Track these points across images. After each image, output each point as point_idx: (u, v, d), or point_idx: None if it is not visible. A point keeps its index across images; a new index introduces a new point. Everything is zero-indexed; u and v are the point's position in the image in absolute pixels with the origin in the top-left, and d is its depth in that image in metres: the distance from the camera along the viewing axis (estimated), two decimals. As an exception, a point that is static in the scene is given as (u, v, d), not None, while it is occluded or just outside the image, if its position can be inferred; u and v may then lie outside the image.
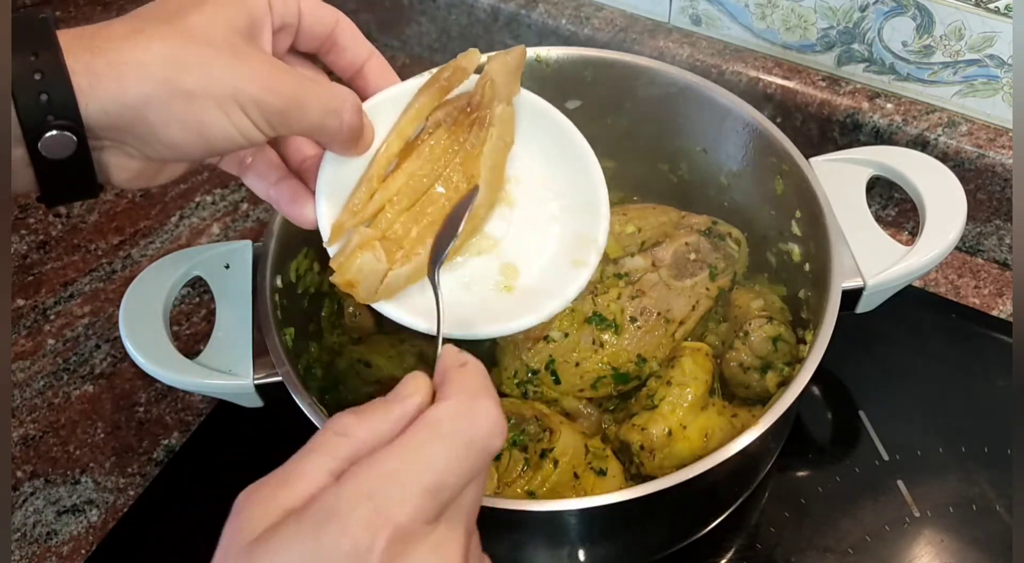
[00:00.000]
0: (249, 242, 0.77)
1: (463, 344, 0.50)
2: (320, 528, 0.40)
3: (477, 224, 0.63)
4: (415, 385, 0.46)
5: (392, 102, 0.62)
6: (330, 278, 0.59)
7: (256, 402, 0.72)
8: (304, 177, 0.62)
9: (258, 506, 0.42)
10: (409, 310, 0.60)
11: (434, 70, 0.63)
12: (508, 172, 0.64)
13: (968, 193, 0.76)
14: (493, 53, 0.64)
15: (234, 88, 0.52)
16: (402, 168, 0.61)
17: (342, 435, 0.44)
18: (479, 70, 0.63)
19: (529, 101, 0.65)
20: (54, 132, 0.49)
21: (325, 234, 0.60)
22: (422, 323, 0.59)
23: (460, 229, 0.59)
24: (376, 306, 0.59)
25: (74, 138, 0.49)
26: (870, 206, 0.77)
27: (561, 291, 0.62)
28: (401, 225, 0.60)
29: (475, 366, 0.46)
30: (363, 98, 0.62)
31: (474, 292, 0.62)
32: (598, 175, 0.64)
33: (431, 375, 0.47)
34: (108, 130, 0.51)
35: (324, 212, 0.60)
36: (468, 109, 0.62)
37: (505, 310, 0.62)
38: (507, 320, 0.61)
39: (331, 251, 0.59)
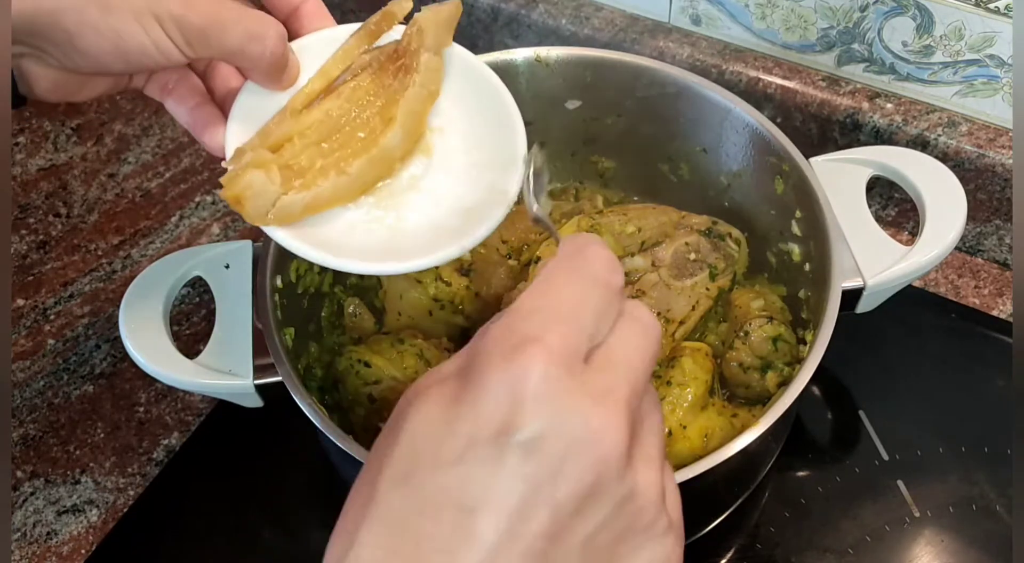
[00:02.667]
0: (249, 242, 0.77)
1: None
2: (469, 371, 0.38)
3: (392, 169, 0.62)
4: (545, 265, 0.44)
5: (323, 44, 0.62)
6: (218, 193, 0.58)
7: (256, 402, 0.72)
8: (226, 109, 0.61)
9: (419, 383, 0.40)
10: (303, 239, 0.58)
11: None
12: (432, 123, 0.64)
13: (968, 193, 0.76)
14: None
15: (153, 1, 0.52)
16: (320, 105, 0.60)
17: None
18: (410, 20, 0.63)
19: (460, 56, 0.65)
20: None
21: (228, 155, 0.59)
22: (313, 253, 0.58)
23: (541, 175, 0.58)
24: (267, 230, 0.58)
25: None
26: (870, 206, 0.77)
27: (465, 236, 0.61)
28: (306, 157, 0.59)
29: (586, 234, 0.45)
30: (295, 38, 0.62)
31: (372, 231, 0.61)
32: (520, 133, 0.64)
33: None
34: (25, 35, 0.51)
35: (233, 136, 0.60)
36: (395, 55, 0.62)
37: (402, 249, 0.60)
38: (403, 258, 0.59)
39: (224, 175, 0.58)
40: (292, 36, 0.61)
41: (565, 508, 0.36)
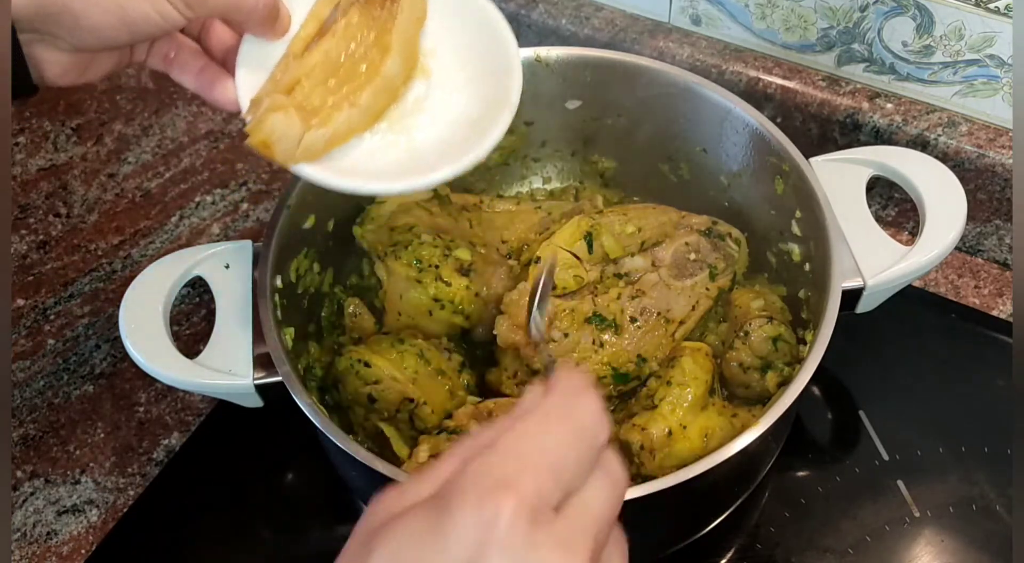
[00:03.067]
0: (249, 242, 0.77)
1: None
2: (443, 505, 0.39)
3: (397, 94, 0.65)
4: (533, 392, 0.45)
5: None
6: (246, 142, 0.60)
7: (256, 402, 0.72)
8: (228, 67, 0.64)
9: (387, 500, 0.41)
10: (332, 171, 0.62)
11: None
12: (424, 46, 0.67)
13: (968, 193, 0.76)
14: None
15: None
16: (318, 46, 0.64)
17: (469, 438, 0.43)
18: None
19: None
20: None
21: (244, 106, 0.62)
22: (342, 182, 0.62)
23: (548, 293, 0.61)
24: (296, 169, 0.61)
25: None
26: (870, 206, 0.77)
27: (478, 144, 0.64)
28: (317, 96, 0.63)
29: (582, 375, 0.46)
30: None
31: (390, 154, 0.64)
32: (511, 40, 0.66)
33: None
34: (36, 21, 0.55)
35: (243, 87, 0.62)
36: None
37: (421, 166, 0.63)
38: (425, 173, 0.63)
39: (248, 121, 0.61)
40: None
41: None
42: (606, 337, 0.76)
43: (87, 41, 0.57)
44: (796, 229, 0.78)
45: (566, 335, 0.75)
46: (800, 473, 0.81)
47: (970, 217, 0.82)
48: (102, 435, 0.87)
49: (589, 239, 0.79)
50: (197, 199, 1.03)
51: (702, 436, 0.71)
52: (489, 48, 0.67)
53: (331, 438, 0.63)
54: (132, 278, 0.75)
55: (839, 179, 0.76)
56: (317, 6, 0.65)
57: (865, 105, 0.93)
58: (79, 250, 1.00)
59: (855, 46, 0.92)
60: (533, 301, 0.59)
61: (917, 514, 0.78)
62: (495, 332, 0.75)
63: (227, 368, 0.70)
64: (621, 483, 0.44)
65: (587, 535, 0.40)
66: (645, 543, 0.73)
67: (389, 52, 0.64)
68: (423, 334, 0.78)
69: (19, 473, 0.84)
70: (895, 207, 0.97)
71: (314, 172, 0.62)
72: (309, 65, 0.63)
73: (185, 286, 0.77)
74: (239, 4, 0.60)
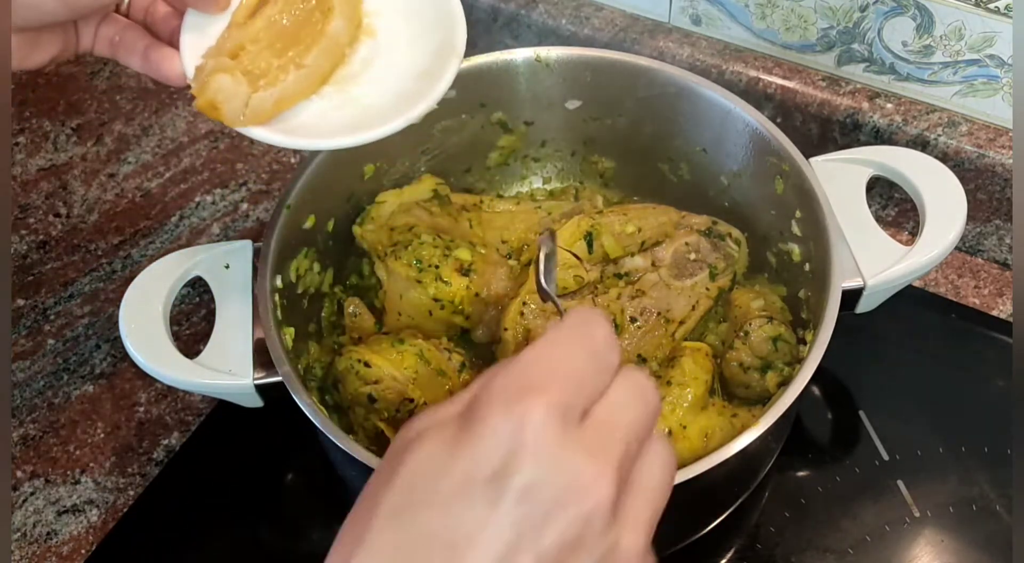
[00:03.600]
0: (249, 242, 0.77)
1: None
2: (472, 414, 0.39)
3: (343, 55, 0.67)
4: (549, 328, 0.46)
5: None
6: (194, 104, 0.61)
7: (256, 402, 0.72)
8: (175, 46, 0.64)
9: (417, 421, 0.42)
10: (282, 132, 0.63)
11: None
12: (368, 6, 0.68)
13: (968, 193, 0.76)
14: None
15: None
16: (261, 14, 0.65)
17: (490, 367, 0.44)
18: None
19: None
20: None
21: (189, 75, 0.62)
22: (293, 141, 0.63)
23: (554, 257, 0.61)
24: (245, 130, 0.62)
25: None
26: (870, 206, 0.77)
27: (428, 94, 0.64)
28: (263, 60, 0.63)
29: (593, 309, 0.47)
30: None
31: (342, 113, 0.65)
32: (456, 8, 0.67)
33: None
34: None
35: (188, 57, 0.63)
36: None
37: (373, 120, 0.64)
38: (376, 126, 0.63)
39: (194, 87, 0.62)
40: None
41: (547, 556, 0.37)
42: (606, 337, 0.76)
43: (27, 17, 0.57)
44: (796, 229, 0.78)
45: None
46: (800, 473, 0.81)
47: (970, 217, 0.82)
48: (102, 435, 0.87)
49: (589, 239, 0.79)
50: (197, 199, 1.03)
51: (702, 436, 0.71)
52: (432, 3, 0.68)
53: (331, 438, 0.63)
54: (132, 278, 0.75)
55: (839, 179, 0.76)
56: None
57: (865, 105, 0.93)
58: (79, 250, 1.00)
59: (855, 46, 0.92)
60: (539, 266, 0.59)
61: (917, 514, 0.78)
62: (503, 326, 0.75)
63: (227, 368, 0.70)
64: (649, 392, 0.43)
65: (616, 441, 0.40)
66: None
67: (332, 14, 0.65)
68: (423, 334, 0.78)
69: (19, 473, 0.84)
70: (895, 207, 0.97)
71: (263, 133, 0.62)
72: (253, 31, 0.64)
73: (185, 286, 0.77)
74: None
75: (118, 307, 0.73)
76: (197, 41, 0.63)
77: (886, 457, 0.82)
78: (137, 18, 0.66)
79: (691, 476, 0.60)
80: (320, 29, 0.65)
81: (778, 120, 0.96)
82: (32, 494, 0.83)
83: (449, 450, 0.39)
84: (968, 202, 0.75)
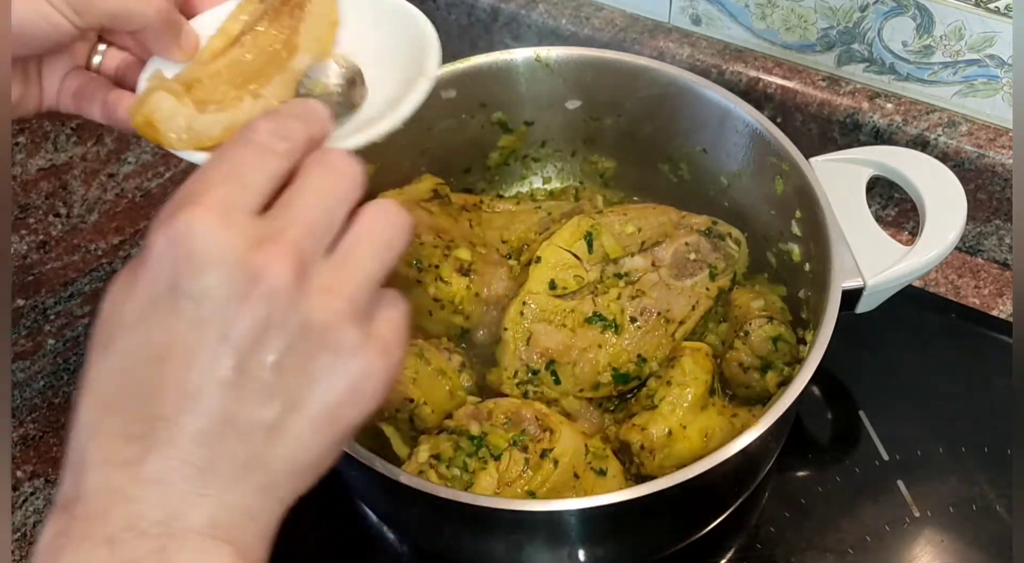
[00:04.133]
0: (249, 242, 0.77)
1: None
2: (142, 248, 0.42)
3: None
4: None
5: (218, 17, 0.65)
6: (132, 124, 0.58)
7: (256, 402, 0.71)
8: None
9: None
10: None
11: None
12: (341, 48, 0.66)
13: (968, 193, 0.76)
14: None
15: None
16: (226, 55, 0.63)
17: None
18: None
19: None
20: None
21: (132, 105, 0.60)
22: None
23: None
24: (183, 154, 0.58)
25: None
26: (870, 206, 0.77)
27: (392, 114, 0.62)
28: (219, 91, 0.61)
29: None
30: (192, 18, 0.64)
31: None
32: (429, 30, 0.66)
33: None
34: None
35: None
36: None
37: (336, 139, 0.60)
38: (343, 139, 0.60)
39: (131, 106, 0.59)
40: (189, 16, 0.64)
41: (243, 343, 0.40)
42: (606, 337, 0.76)
43: (33, 36, 0.57)
44: (796, 229, 0.78)
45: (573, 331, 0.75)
46: (800, 473, 0.81)
47: (970, 217, 0.82)
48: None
49: (589, 239, 0.79)
50: (197, 199, 1.03)
51: (702, 436, 0.71)
52: (409, 45, 0.67)
53: (331, 438, 0.63)
54: (132, 278, 0.74)
55: (839, 179, 0.76)
56: (227, 22, 0.64)
57: (865, 105, 0.93)
58: (79, 250, 1.00)
59: (855, 46, 0.92)
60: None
61: (917, 514, 0.78)
62: (503, 325, 0.75)
63: (227, 368, 0.70)
64: (342, 169, 0.48)
65: (292, 224, 0.43)
66: (645, 543, 0.73)
67: (297, 51, 0.64)
68: (423, 334, 0.78)
69: (19, 473, 0.84)
70: (895, 207, 0.97)
71: (199, 156, 0.58)
72: (214, 68, 0.62)
73: (185, 286, 0.77)
74: (130, 10, 0.58)
75: (118, 307, 0.73)
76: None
77: (886, 457, 0.82)
78: (108, 74, 0.66)
79: (691, 476, 0.60)
80: (282, 63, 0.64)
81: (778, 120, 0.96)
82: (32, 494, 0.83)
83: (130, 280, 0.42)
84: (968, 202, 0.75)
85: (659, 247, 0.81)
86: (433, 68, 0.64)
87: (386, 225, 0.47)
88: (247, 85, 0.62)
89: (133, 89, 0.64)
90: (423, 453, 0.69)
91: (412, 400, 0.73)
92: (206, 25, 0.64)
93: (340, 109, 0.62)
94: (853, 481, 0.80)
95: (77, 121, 1.12)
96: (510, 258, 0.83)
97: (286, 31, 0.65)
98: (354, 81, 0.63)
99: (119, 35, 0.64)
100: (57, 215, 1.03)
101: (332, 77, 0.63)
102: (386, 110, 0.63)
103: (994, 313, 0.91)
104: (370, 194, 0.84)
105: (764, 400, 0.75)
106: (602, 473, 0.70)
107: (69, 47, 0.62)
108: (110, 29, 0.62)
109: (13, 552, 0.80)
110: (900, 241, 0.74)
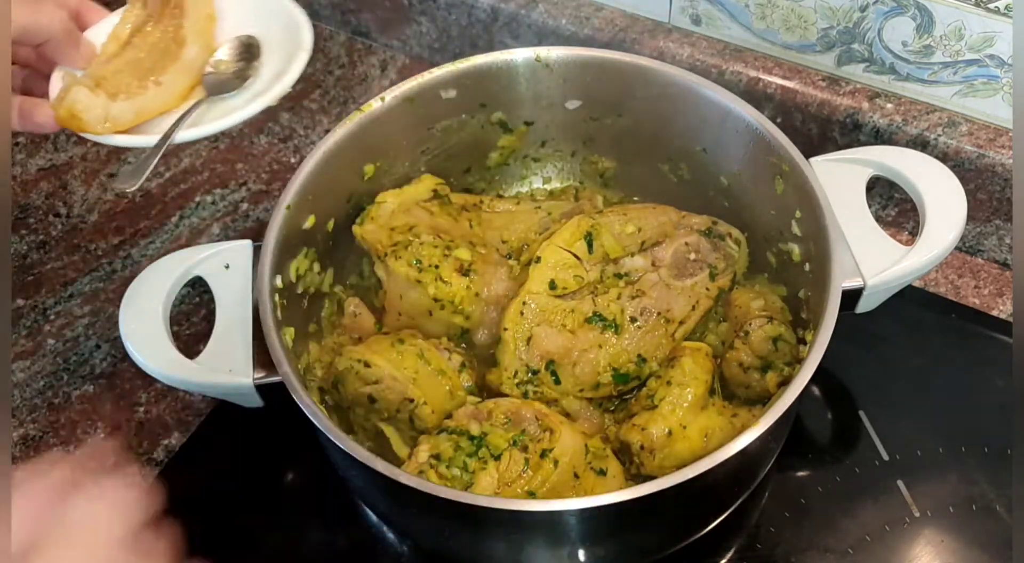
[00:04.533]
0: (249, 242, 0.77)
1: None
2: None
3: (200, 76, 0.78)
4: None
5: (106, 29, 0.77)
6: (55, 120, 0.70)
7: (256, 402, 0.72)
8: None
9: None
10: (138, 132, 0.73)
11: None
12: (221, 36, 0.80)
13: (968, 193, 0.76)
14: None
15: None
16: (120, 56, 0.76)
17: None
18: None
19: None
20: None
21: (52, 103, 0.71)
22: (148, 139, 0.72)
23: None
24: (107, 139, 0.71)
25: None
26: (870, 206, 0.77)
27: (279, 84, 0.74)
28: (123, 82, 0.73)
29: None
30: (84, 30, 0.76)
31: (212, 113, 0.75)
32: (297, 12, 0.79)
33: None
34: None
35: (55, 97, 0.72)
36: (167, 0, 0.79)
37: (235, 111, 0.74)
38: (231, 114, 0.73)
39: (52, 102, 0.71)
40: (82, 30, 0.75)
41: None
42: (606, 337, 0.76)
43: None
44: (796, 229, 0.78)
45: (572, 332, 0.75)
46: (800, 473, 0.81)
47: (970, 217, 0.82)
48: (102, 435, 0.87)
49: (589, 239, 0.79)
50: (197, 199, 1.03)
51: (702, 436, 0.71)
52: (285, 28, 0.79)
53: (331, 438, 0.63)
54: (132, 278, 0.75)
55: (839, 179, 0.76)
56: (116, 28, 0.77)
57: (865, 105, 0.93)
58: (79, 250, 1.00)
59: (855, 46, 0.92)
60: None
61: (917, 514, 0.78)
62: (503, 325, 0.75)
63: (227, 368, 0.70)
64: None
65: None
66: (645, 543, 0.73)
67: (185, 44, 0.77)
68: (423, 334, 0.78)
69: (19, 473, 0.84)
70: (895, 207, 0.97)
71: (124, 139, 0.72)
72: (115, 65, 0.74)
73: (185, 286, 0.77)
74: (38, 23, 0.68)
75: (118, 307, 0.73)
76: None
77: (886, 457, 0.82)
78: (15, 87, 0.73)
79: (691, 476, 0.60)
80: (175, 55, 0.77)
81: (778, 120, 0.96)
82: (32, 494, 0.83)
83: None
84: (968, 202, 0.75)
85: (659, 247, 0.81)
86: (308, 41, 0.77)
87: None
88: (148, 77, 0.75)
89: (41, 97, 0.72)
90: (423, 453, 0.69)
91: (412, 400, 0.73)
92: (98, 35, 0.77)
93: (239, 82, 0.78)
94: (853, 481, 0.80)
95: (77, 121, 1.12)
96: (510, 258, 0.83)
97: (172, 29, 0.78)
98: (248, 55, 0.79)
99: (22, 48, 0.72)
100: (57, 215, 1.03)
101: (228, 55, 0.79)
102: (275, 82, 0.76)
103: (994, 313, 0.91)
104: (370, 194, 0.85)
105: (764, 400, 0.75)
106: (602, 473, 0.70)
107: None
108: (18, 41, 0.70)
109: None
110: (900, 241, 0.74)
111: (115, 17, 0.78)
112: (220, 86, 0.78)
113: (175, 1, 0.80)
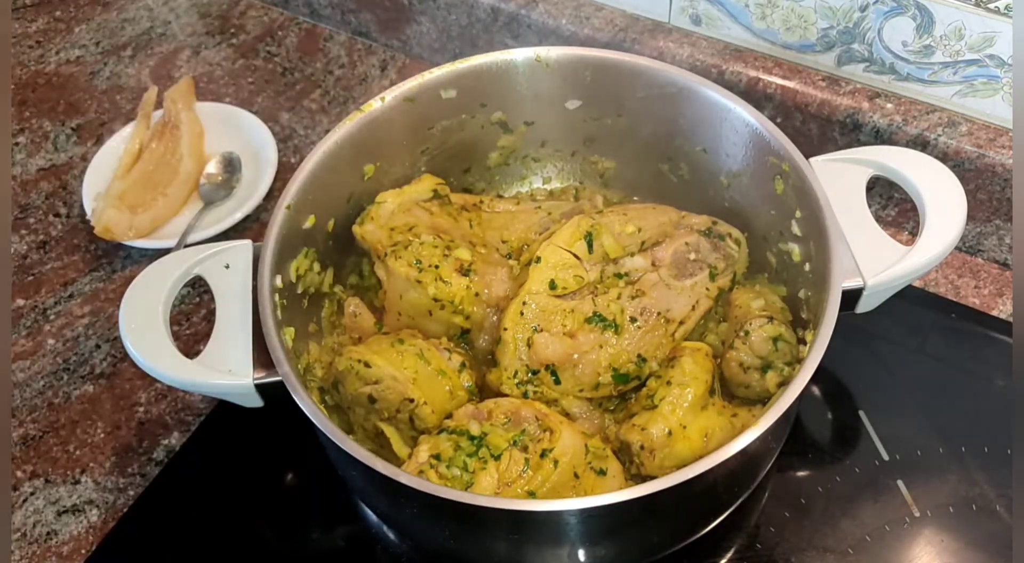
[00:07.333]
0: (249, 242, 0.77)
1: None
2: None
3: (195, 184, 1.03)
4: None
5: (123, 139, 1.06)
6: (95, 231, 0.95)
7: (256, 402, 0.72)
8: None
9: None
10: (153, 238, 0.98)
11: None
12: (212, 151, 1.06)
13: (968, 193, 0.76)
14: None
15: None
16: (135, 168, 1.03)
17: None
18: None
19: (211, 108, 1.10)
20: None
21: (89, 214, 0.98)
22: (157, 243, 0.97)
23: None
24: (130, 243, 0.97)
25: None
26: (870, 206, 0.77)
27: (254, 193, 1.02)
28: (139, 196, 0.99)
29: None
30: None
31: (205, 220, 1.01)
32: (264, 130, 1.06)
33: None
34: None
35: (88, 203, 1.00)
36: (165, 123, 1.05)
37: (230, 210, 1.01)
38: (229, 216, 1.00)
39: (92, 220, 0.98)
40: None
41: None
42: (606, 337, 0.76)
43: None
44: (796, 229, 0.78)
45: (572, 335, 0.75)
46: (800, 473, 0.81)
47: (970, 217, 0.83)
48: (102, 435, 0.87)
49: (589, 239, 0.79)
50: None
51: (702, 436, 0.71)
52: (257, 142, 1.05)
53: (331, 438, 0.63)
54: (132, 278, 0.75)
55: (839, 179, 0.76)
56: (128, 145, 1.04)
57: (865, 105, 0.93)
58: (79, 250, 1.00)
59: (855, 46, 0.92)
60: None
61: (917, 514, 0.78)
62: (503, 325, 0.75)
63: (227, 368, 0.70)
64: None
65: None
66: (645, 543, 0.73)
67: (182, 159, 1.03)
68: (423, 334, 0.78)
69: (19, 473, 0.84)
70: (895, 207, 0.97)
71: (147, 243, 0.97)
72: (131, 181, 1.01)
73: (185, 286, 0.77)
74: None
75: (118, 307, 0.73)
76: (94, 194, 1.00)
77: (886, 457, 0.82)
78: None
79: (691, 476, 0.60)
80: (175, 169, 1.02)
81: (778, 120, 0.96)
82: (32, 494, 0.83)
83: None
84: (968, 202, 0.75)
85: (659, 247, 0.81)
86: (275, 157, 1.03)
87: None
88: (156, 189, 1.00)
89: None
90: (423, 453, 0.69)
91: (412, 400, 0.73)
92: (115, 145, 1.05)
93: (227, 191, 1.03)
94: (853, 481, 0.80)
95: (77, 121, 1.12)
96: (510, 258, 0.83)
97: (171, 145, 1.04)
98: (231, 168, 1.04)
99: None
100: (57, 215, 1.03)
101: (216, 169, 1.04)
102: (252, 192, 1.01)
103: (994, 313, 0.91)
104: (370, 194, 0.85)
105: (764, 400, 0.75)
106: (602, 473, 0.70)
107: None
108: None
109: (13, 552, 0.80)
110: (900, 241, 0.74)
111: (127, 129, 1.06)
112: (212, 195, 1.02)
113: (173, 121, 1.05)
